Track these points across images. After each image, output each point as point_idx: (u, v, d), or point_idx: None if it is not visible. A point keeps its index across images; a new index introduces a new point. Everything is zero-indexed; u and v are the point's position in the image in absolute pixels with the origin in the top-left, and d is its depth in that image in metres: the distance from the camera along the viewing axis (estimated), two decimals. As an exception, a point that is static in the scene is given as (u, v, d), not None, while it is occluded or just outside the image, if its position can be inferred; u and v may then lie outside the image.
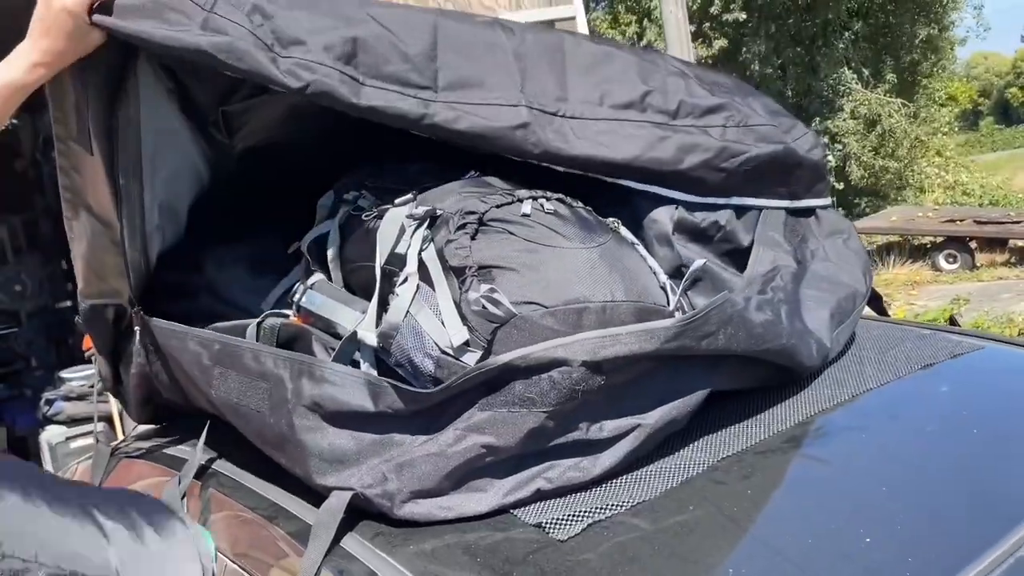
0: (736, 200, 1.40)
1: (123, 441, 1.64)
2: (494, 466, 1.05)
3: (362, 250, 1.25)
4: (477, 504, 1.04)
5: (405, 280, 1.13)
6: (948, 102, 17.00)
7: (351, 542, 1.02)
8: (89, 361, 1.68)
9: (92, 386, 5.56)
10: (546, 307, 1.05)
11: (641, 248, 1.23)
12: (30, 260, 6.80)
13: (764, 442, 1.17)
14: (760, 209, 1.42)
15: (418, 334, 1.10)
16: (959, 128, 20.75)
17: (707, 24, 14.08)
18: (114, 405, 5.40)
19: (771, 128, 1.43)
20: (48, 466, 5.14)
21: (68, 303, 6.77)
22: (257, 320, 1.32)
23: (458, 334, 1.06)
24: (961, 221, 10.83)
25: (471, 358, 1.05)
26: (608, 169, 1.30)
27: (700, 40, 13.45)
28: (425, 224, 1.16)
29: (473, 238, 1.11)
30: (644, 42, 14.68)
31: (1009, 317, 6.91)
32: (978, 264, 10.36)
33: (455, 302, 1.09)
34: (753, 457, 1.14)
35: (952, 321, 1.84)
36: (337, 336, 1.23)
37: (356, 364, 1.18)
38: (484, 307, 1.05)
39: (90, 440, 5.23)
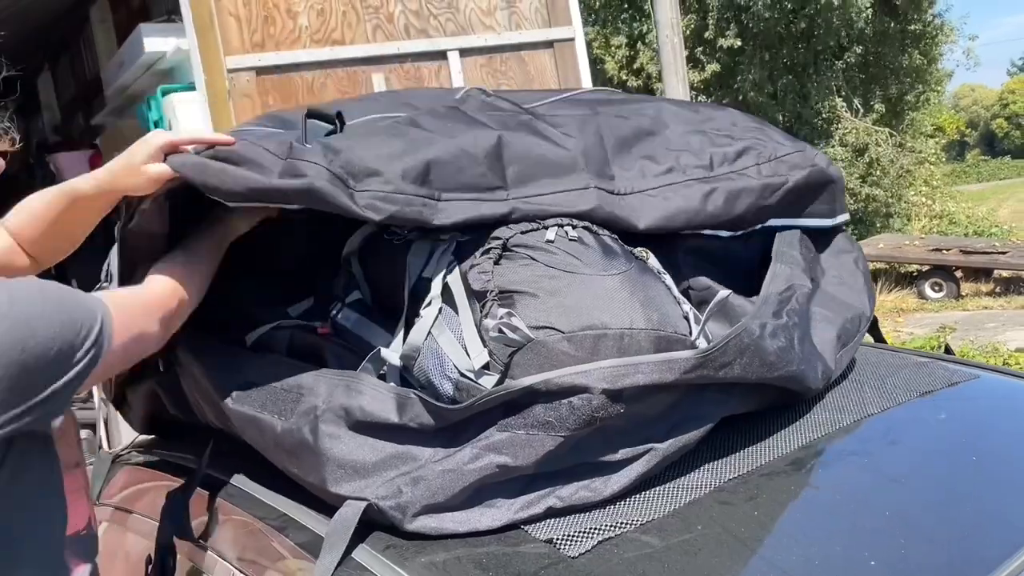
0: (777, 222, 1.46)
1: (124, 449, 1.64)
2: (507, 484, 1.07)
3: (390, 272, 1.27)
4: (489, 519, 1.05)
5: (429, 303, 1.15)
6: (936, 132, 17.21)
7: (362, 553, 1.03)
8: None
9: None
10: (563, 332, 1.07)
11: (667, 278, 1.25)
12: (18, 264, 6.78)
13: (769, 464, 1.19)
14: (837, 229, 1.49)
15: (439, 356, 1.12)
16: (946, 158, 20.99)
17: (700, 49, 14.23)
18: (99, 413, 5.39)
19: (798, 154, 1.48)
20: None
21: (56, 308, 6.75)
22: (267, 327, 1.33)
23: (478, 357, 1.08)
24: (947, 250, 10.95)
25: (489, 381, 1.08)
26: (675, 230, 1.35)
27: (693, 65, 13.59)
28: (452, 248, 1.18)
29: (496, 263, 1.13)
30: (636, 65, 14.83)
31: (995, 346, 6.99)
32: (963, 293, 10.47)
33: (476, 325, 1.11)
34: (759, 479, 1.16)
35: (947, 349, 1.87)
36: (361, 351, 1.24)
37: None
38: (501, 331, 1.06)
39: (73, 447, 5.21)
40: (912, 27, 14.74)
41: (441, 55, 4.60)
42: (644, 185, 1.33)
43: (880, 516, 1.11)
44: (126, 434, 3.14)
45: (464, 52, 4.65)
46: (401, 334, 1.20)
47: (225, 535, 1.23)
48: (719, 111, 1.62)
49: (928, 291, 10.57)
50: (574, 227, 1.20)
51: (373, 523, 1.06)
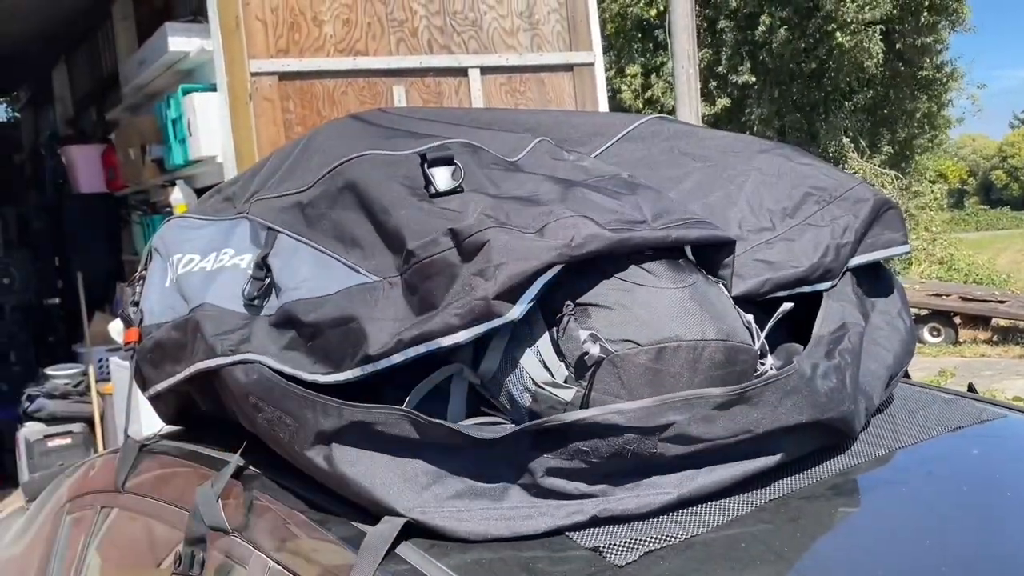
0: (856, 260, 1.47)
1: (151, 438, 1.63)
2: (549, 496, 1.07)
3: None
4: (535, 525, 1.05)
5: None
6: (939, 179, 17.36)
7: (406, 550, 1.03)
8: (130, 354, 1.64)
9: (76, 385, 5.51)
10: (641, 345, 1.08)
11: (724, 288, 1.26)
12: (20, 254, 6.76)
13: (808, 488, 1.19)
14: (879, 263, 1.50)
15: (517, 369, 1.13)
16: (946, 205, 21.14)
17: (713, 83, 14.37)
18: (96, 407, 5.36)
19: (860, 187, 1.50)
20: (24, 463, 5.06)
21: (56, 300, 6.73)
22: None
23: (558, 371, 1.09)
24: (947, 296, 11.02)
25: (567, 394, 1.08)
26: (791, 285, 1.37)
27: (705, 98, 13.71)
28: None
29: (568, 275, 1.14)
30: (648, 94, 14.95)
31: (992, 394, 7.01)
32: (961, 340, 10.52)
33: (552, 338, 1.12)
34: (799, 501, 1.16)
35: (971, 388, 1.88)
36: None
37: (445, 392, 1.20)
38: (586, 347, 1.07)
39: (68, 440, 5.17)
40: (922, 73, 14.91)
41: (462, 72, 4.64)
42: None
43: (918, 543, 1.11)
44: (120, 428, 3.12)
45: (485, 70, 4.69)
46: (470, 346, 1.20)
47: (261, 527, 1.23)
48: (766, 153, 1.61)
49: (926, 336, 10.61)
50: None
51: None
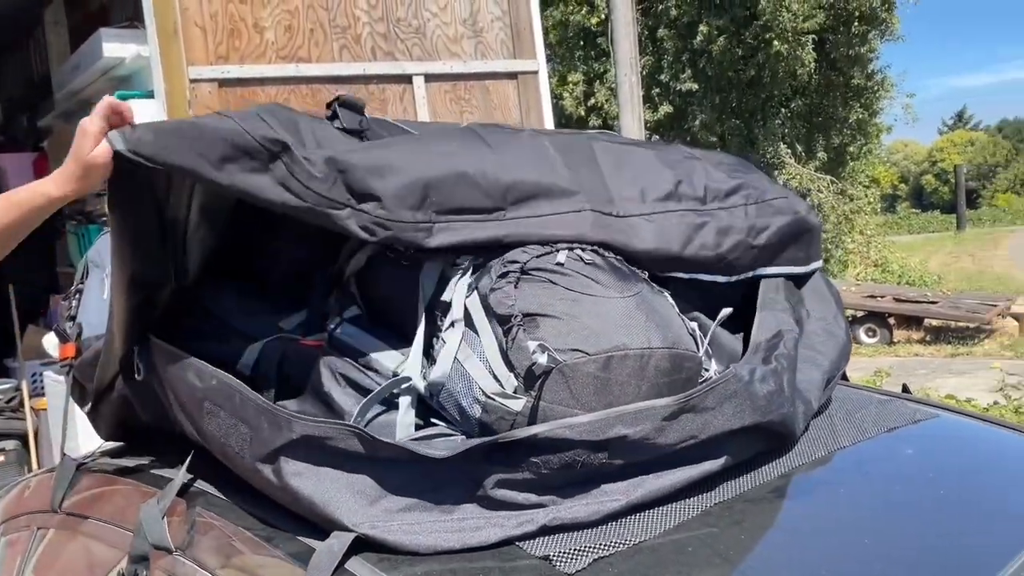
0: (761, 271, 1.48)
1: (90, 456, 1.59)
2: (499, 507, 1.08)
3: (395, 290, 1.27)
4: (484, 536, 1.05)
5: (451, 326, 1.16)
6: (872, 184, 17.86)
7: (356, 564, 1.02)
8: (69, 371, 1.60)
9: (8, 401, 5.33)
10: (589, 354, 1.09)
11: (668, 296, 1.28)
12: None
13: (752, 491, 1.22)
14: (779, 276, 1.51)
15: (466, 380, 1.13)
16: (880, 209, 21.78)
17: (655, 90, 14.58)
18: (29, 424, 5.18)
19: (783, 200, 1.52)
20: (-47, 480, 4.87)
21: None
22: (263, 342, 1.31)
23: (508, 381, 1.10)
24: (882, 297, 11.35)
25: (517, 404, 1.09)
26: (665, 262, 1.37)
27: (647, 105, 13.91)
28: (469, 272, 1.19)
29: (516, 287, 1.14)
30: (591, 102, 15.09)
31: (926, 392, 7.23)
32: (895, 340, 10.84)
33: (500, 349, 1.12)
34: (742, 504, 1.18)
35: (905, 389, 1.95)
36: (365, 367, 1.24)
37: (396, 403, 1.19)
38: (535, 357, 1.08)
39: (1, 458, 4.99)
40: (855, 81, 15.34)
41: (407, 79, 4.62)
42: (643, 209, 1.36)
43: (857, 541, 1.15)
44: (56, 445, 3.02)
45: (429, 78, 4.69)
46: (416, 355, 1.20)
47: (206, 545, 1.21)
48: (710, 152, 1.65)
49: (863, 336, 10.90)
50: (584, 250, 1.23)
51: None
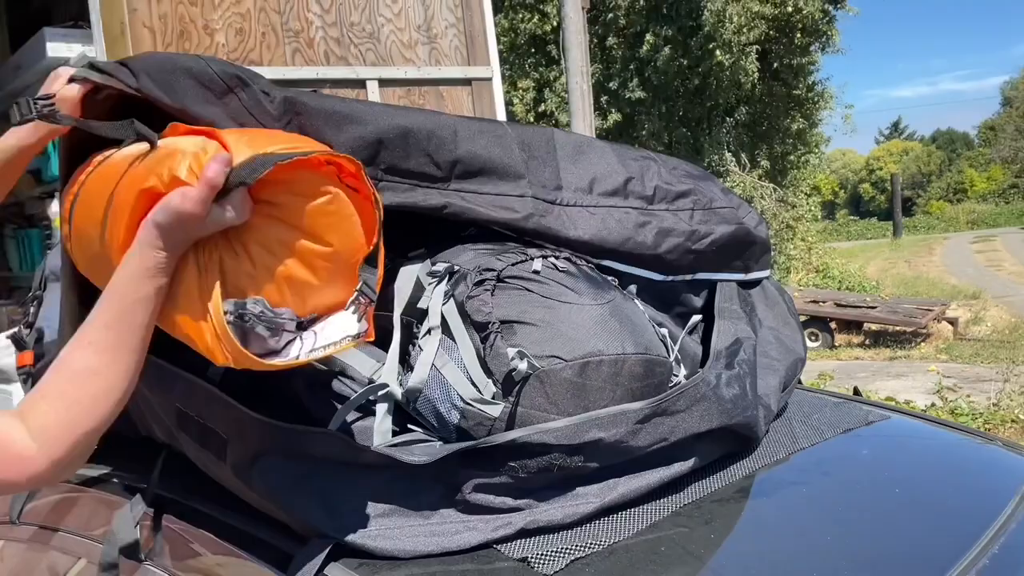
0: (700, 275, 1.51)
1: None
2: (477, 511, 1.09)
3: None
4: (463, 540, 1.07)
5: (427, 333, 1.17)
6: (813, 192, 18.31)
7: (335, 570, 1.03)
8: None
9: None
10: (566, 360, 1.11)
11: (639, 303, 1.31)
12: None
13: (719, 491, 1.26)
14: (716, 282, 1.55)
15: (444, 386, 1.14)
16: (820, 216, 22.33)
17: (604, 98, 14.74)
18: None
19: (730, 210, 1.56)
20: None
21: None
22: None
23: (486, 387, 1.11)
24: (823, 302, 11.62)
25: (495, 410, 1.10)
26: (599, 252, 1.38)
27: (597, 113, 14.05)
28: (445, 279, 1.21)
29: (492, 294, 1.16)
30: (541, 108, 15.20)
31: (867, 395, 7.42)
32: (837, 344, 11.11)
33: (478, 356, 1.14)
34: (711, 504, 1.22)
35: (856, 392, 2.02)
36: (341, 374, 1.24)
37: (372, 409, 1.20)
38: (514, 363, 1.09)
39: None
40: (796, 92, 15.72)
41: (360, 83, 4.61)
42: (587, 200, 1.38)
43: (820, 539, 1.19)
44: None
45: (383, 83, 4.68)
46: (392, 362, 1.20)
47: (179, 552, 1.20)
48: (671, 158, 1.69)
49: (805, 340, 11.15)
50: (558, 258, 1.25)
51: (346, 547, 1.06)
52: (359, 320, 1.02)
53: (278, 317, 0.99)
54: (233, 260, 0.98)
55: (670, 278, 1.49)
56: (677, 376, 1.29)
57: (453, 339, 1.16)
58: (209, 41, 4.21)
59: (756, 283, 1.67)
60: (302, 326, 1.02)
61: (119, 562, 1.20)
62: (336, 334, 1.01)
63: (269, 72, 4.29)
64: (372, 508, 1.07)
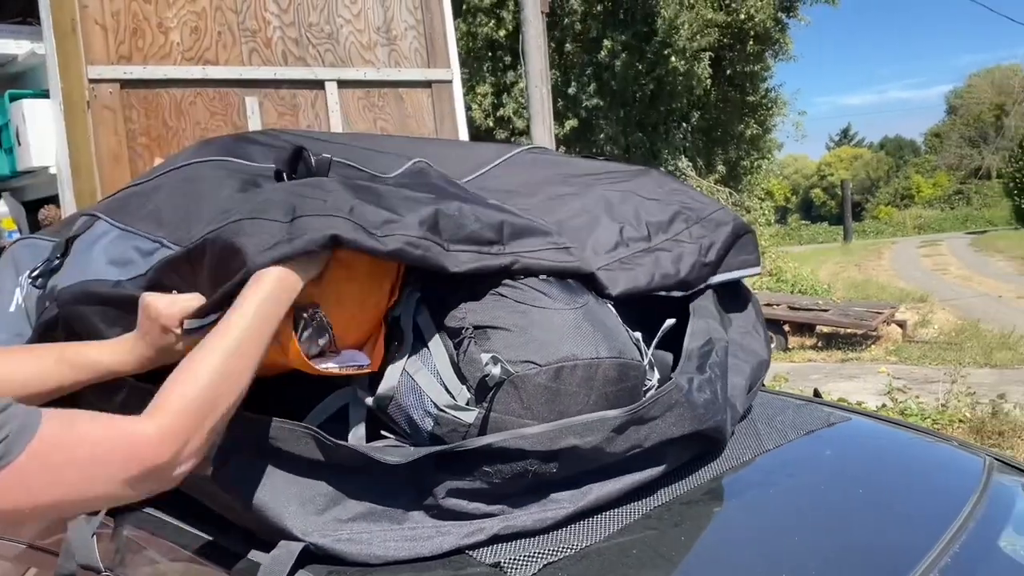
0: (712, 280, 1.53)
1: None
2: (450, 516, 1.08)
3: None
4: (435, 546, 1.06)
5: (400, 339, 1.15)
6: (767, 196, 18.61)
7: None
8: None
9: None
10: (540, 365, 1.11)
11: (612, 307, 1.31)
12: None
13: (687, 494, 1.26)
14: (737, 280, 1.57)
15: (417, 392, 1.13)
16: (773, 221, 22.69)
17: (561, 103, 14.81)
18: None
19: (720, 212, 1.58)
20: None
21: None
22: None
23: (459, 393, 1.10)
24: (777, 305, 11.79)
25: (469, 416, 1.09)
26: (637, 299, 1.39)
27: (555, 117, 14.10)
28: (419, 287, 1.19)
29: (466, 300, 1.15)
30: (499, 113, 15.20)
31: (823, 396, 7.54)
32: (791, 346, 11.28)
33: (452, 361, 1.12)
34: (680, 507, 1.23)
35: (816, 394, 2.05)
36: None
37: (345, 415, 1.18)
38: (488, 369, 1.08)
39: None
40: (750, 98, 15.97)
41: (319, 84, 4.57)
42: (598, 263, 1.39)
43: (788, 537, 1.20)
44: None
45: (342, 84, 4.64)
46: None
47: (138, 563, 1.16)
48: (638, 177, 1.69)
49: (770, 343, 11.31)
50: None
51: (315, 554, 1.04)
52: (368, 353, 1.16)
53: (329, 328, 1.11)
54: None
55: (689, 292, 1.51)
56: (651, 380, 1.29)
57: (426, 345, 1.14)
58: (164, 39, 4.13)
59: (729, 282, 1.69)
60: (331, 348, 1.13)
61: (77, 573, 1.17)
62: (349, 360, 1.13)
63: (225, 71, 4.23)
64: (343, 512, 1.05)
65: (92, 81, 3.94)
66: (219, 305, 1.05)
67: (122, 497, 0.87)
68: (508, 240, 1.22)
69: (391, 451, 1.09)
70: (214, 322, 1.02)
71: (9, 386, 1.03)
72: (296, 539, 1.02)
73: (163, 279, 1.14)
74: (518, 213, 1.31)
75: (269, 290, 1.01)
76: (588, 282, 1.30)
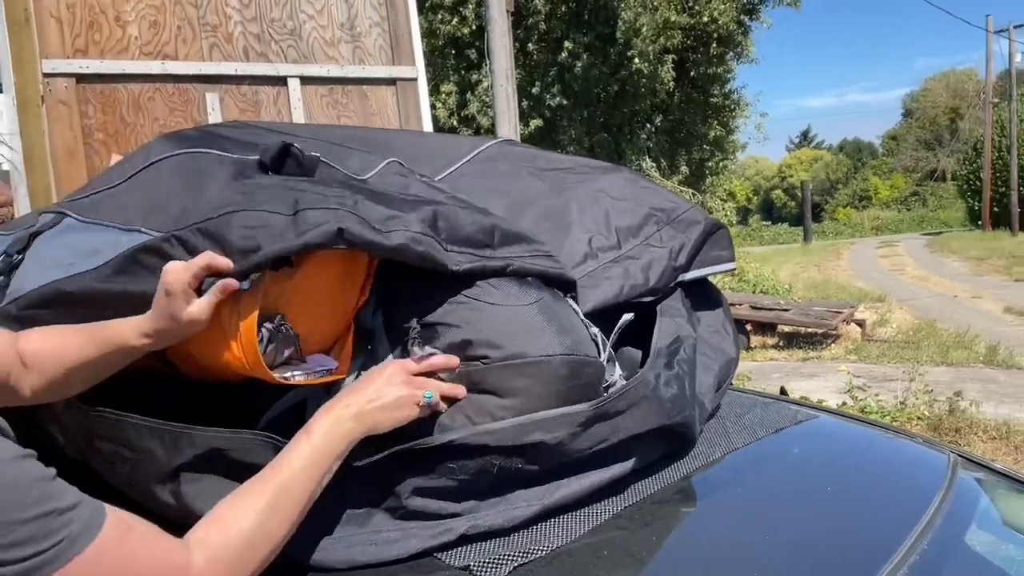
0: (689, 275, 1.52)
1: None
2: (416, 517, 1.05)
3: None
4: (401, 549, 1.03)
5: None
6: (729, 197, 18.81)
7: (268, 586, 0.97)
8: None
9: None
10: (488, 363, 1.09)
11: (572, 302, 1.29)
12: None
13: (658, 493, 1.25)
14: (705, 280, 1.55)
15: None
16: (735, 221, 22.94)
17: (526, 103, 14.81)
18: None
19: (691, 211, 1.56)
20: None
21: None
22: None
23: None
24: (739, 305, 11.90)
25: None
26: (609, 310, 1.37)
27: (520, 117, 14.10)
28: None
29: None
30: (464, 112, 15.16)
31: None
32: (752, 346, 11.39)
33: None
34: (651, 506, 1.21)
35: (783, 391, 2.05)
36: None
37: (302, 410, 1.14)
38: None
39: None
40: (713, 100, 16.13)
41: (281, 80, 4.50)
42: (573, 274, 1.37)
43: (759, 535, 1.20)
44: None
45: (305, 80, 4.58)
46: None
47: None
48: (609, 174, 1.67)
49: (739, 341, 11.41)
50: None
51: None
52: (336, 357, 1.12)
53: (295, 338, 1.08)
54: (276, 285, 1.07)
55: (659, 295, 1.49)
56: (613, 376, 1.27)
57: (377, 344, 1.12)
58: (121, 33, 4.05)
59: (697, 280, 1.68)
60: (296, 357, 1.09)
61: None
62: (316, 366, 1.09)
63: (185, 67, 4.15)
64: (306, 517, 1.02)
65: (47, 75, 3.86)
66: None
67: None
68: (499, 245, 1.20)
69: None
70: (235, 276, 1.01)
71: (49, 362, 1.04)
72: None
73: (135, 270, 1.08)
74: (505, 219, 1.29)
75: (332, 434, 0.99)
76: (568, 291, 1.28)
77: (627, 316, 1.37)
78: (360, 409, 1.00)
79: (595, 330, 1.29)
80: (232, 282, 1.01)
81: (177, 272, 1.00)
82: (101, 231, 1.20)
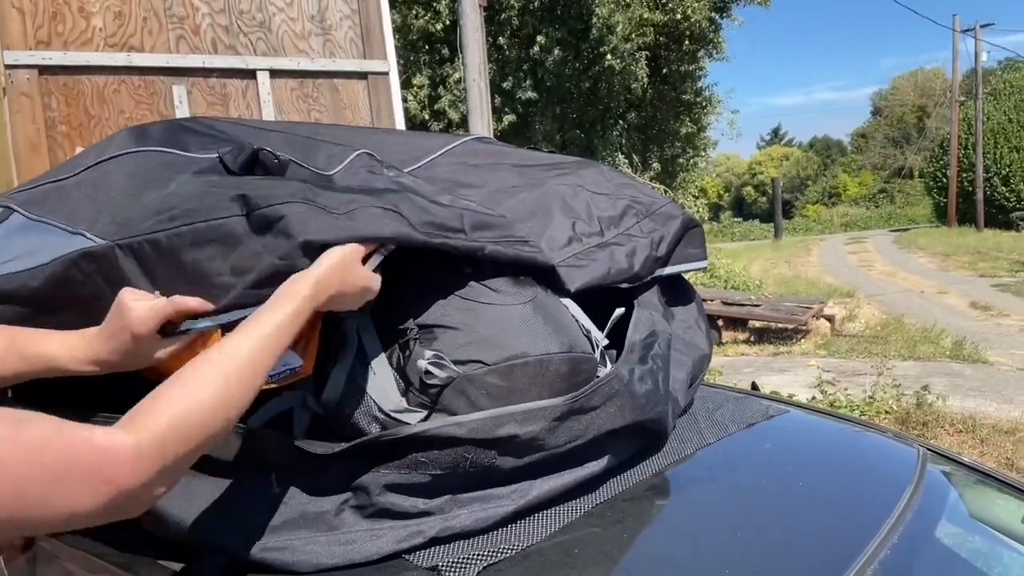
0: (664, 271, 1.52)
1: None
2: (386, 516, 1.03)
3: None
4: (370, 550, 1.01)
5: (344, 344, 1.10)
6: (701, 193, 18.91)
7: (232, 589, 0.95)
8: None
9: None
10: (489, 365, 1.07)
11: (564, 298, 1.27)
12: None
13: (630, 490, 1.24)
14: (680, 276, 1.55)
15: (362, 397, 1.08)
16: (707, 218, 23.09)
17: (498, 99, 14.78)
18: None
19: (669, 205, 1.56)
20: None
21: None
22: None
23: (405, 396, 1.05)
24: (711, 301, 11.98)
25: (414, 418, 1.05)
26: (592, 293, 1.36)
27: (492, 113, 14.06)
28: None
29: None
30: (436, 106, 15.10)
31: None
32: (724, 341, 11.47)
33: (398, 364, 1.08)
34: (623, 503, 1.20)
35: (754, 387, 2.05)
36: None
37: (289, 419, 1.12)
38: (429, 371, 1.04)
39: None
40: (685, 97, 16.20)
41: (250, 74, 4.44)
42: (555, 259, 1.35)
43: (732, 531, 1.19)
44: None
45: (275, 73, 4.52)
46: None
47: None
48: (585, 168, 1.66)
49: (712, 337, 11.48)
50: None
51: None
52: (300, 355, 1.07)
53: None
54: None
55: (636, 283, 1.49)
56: (602, 372, 1.26)
57: (371, 348, 1.09)
58: (85, 24, 3.97)
59: (673, 276, 1.68)
60: None
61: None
62: (281, 367, 1.05)
63: (151, 59, 4.08)
64: (272, 518, 0.99)
65: (8, 67, 3.78)
66: (231, 307, 0.98)
67: (78, 521, 0.73)
68: (471, 231, 1.18)
69: (319, 444, 1.03)
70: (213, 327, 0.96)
71: None
72: (221, 550, 0.96)
73: (74, 274, 1.05)
74: (475, 207, 1.27)
75: (300, 306, 0.94)
76: (547, 276, 1.26)
77: (619, 311, 1.36)
78: (318, 278, 0.97)
79: (588, 325, 1.28)
80: (208, 325, 0.98)
81: (142, 316, 0.96)
82: (44, 230, 1.17)
